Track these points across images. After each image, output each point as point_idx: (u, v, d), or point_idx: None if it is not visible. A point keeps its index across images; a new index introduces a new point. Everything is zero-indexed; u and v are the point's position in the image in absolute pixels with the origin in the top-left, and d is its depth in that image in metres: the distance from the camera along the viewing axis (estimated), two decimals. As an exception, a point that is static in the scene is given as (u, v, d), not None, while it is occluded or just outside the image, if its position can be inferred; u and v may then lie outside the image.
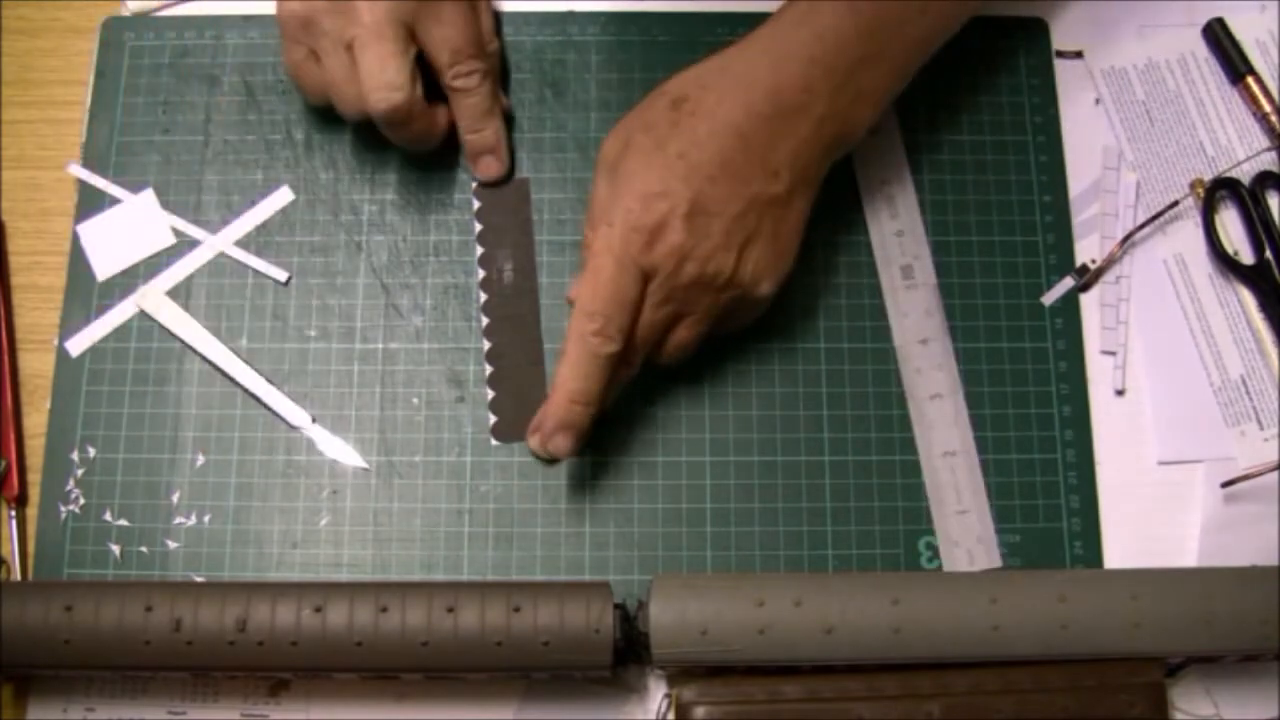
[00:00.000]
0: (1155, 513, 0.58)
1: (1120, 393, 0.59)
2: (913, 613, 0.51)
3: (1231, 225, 0.62)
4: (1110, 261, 0.61)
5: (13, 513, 0.57)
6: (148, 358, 0.59)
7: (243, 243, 0.61)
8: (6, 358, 0.59)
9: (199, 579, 0.56)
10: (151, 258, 0.61)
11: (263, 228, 0.61)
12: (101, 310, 0.60)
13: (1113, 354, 0.60)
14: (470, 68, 0.59)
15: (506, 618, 0.51)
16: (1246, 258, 0.61)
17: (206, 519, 0.57)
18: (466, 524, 0.57)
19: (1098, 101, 0.64)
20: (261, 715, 0.55)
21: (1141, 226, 0.61)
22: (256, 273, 0.61)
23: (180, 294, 0.60)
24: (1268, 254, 0.60)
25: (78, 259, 0.61)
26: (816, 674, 0.52)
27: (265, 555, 0.57)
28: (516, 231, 0.61)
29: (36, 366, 0.60)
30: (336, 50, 0.57)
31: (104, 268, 0.61)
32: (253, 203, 0.62)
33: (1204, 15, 0.64)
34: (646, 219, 0.52)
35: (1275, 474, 0.57)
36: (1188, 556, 0.57)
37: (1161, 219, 0.61)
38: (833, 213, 0.60)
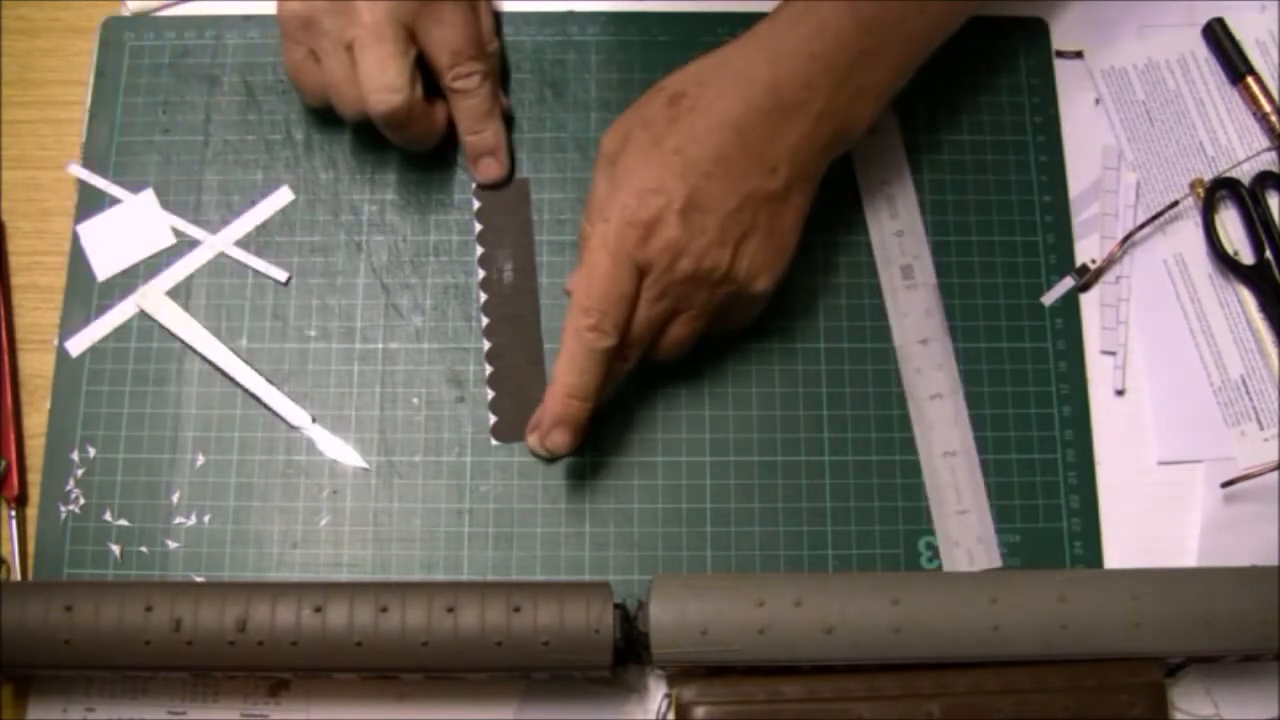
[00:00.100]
0: (1155, 513, 0.58)
1: (1120, 393, 0.59)
2: (913, 613, 0.51)
3: (1231, 225, 0.62)
4: (1110, 261, 0.61)
5: (13, 513, 0.57)
6: (148, 358, 0.59)
7: (243, 243, 0.61)
8: (6, 358, 0.59)
9: (199, 579, 0.56)
10: (151, 258, 0.61)
11: (263, 228, 0.61)
12: (101, 310, 0.60)
13: (1113, 354, 0.60)
14: (470, 69, 0.59)
15: (506, 618, 0.51)
16: (1246, 258, 0.61)
17: (206, 519, 0.57)
18: (466, 524, 0.57)
19: (1098, 101, 0.64)
20: (261, 715, 0.55)
21: (1141, 226, 0.61)
22: (256, 273, 0.61)
23: (180, 294, 0.60)
24: (1268, 254, 0.60)
25: (78, 259, 0.61)
26: (816, 674, 0.52)
27: (265, 555, 0.57)
28: (516, 231, 0.61)
29: (36, 366, 0.60)
30: (336, 51, 0.57)
31: (104, 268, 0.61)
32: (253, 203, 0.62)
33: (1204, 15, 0.64)
34: (642, 214, 0.52)
35: (1275, 474, 0.57)
36: (1188, 556, 0.57)
37: (1161, 219, 0.61)
38: (833, 213, 0.60)
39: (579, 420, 0.54)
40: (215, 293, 0.60)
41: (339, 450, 0.58)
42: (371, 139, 0.61)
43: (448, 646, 0.50)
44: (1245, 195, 0.61)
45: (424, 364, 0.59)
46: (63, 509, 0.57)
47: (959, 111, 0.63)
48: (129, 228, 0.61)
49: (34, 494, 0.58)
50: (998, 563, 0.57)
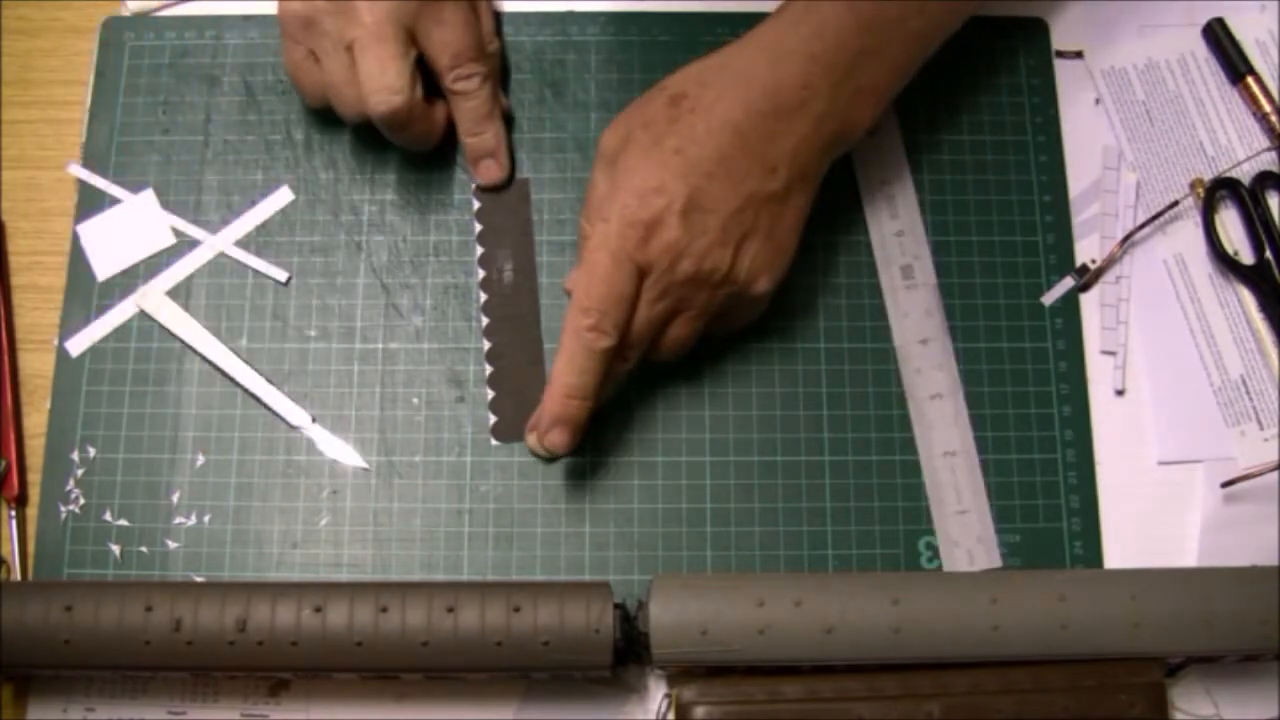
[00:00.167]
0: (1155, 513, 0.58)
1: (1120, 393, 0.59)
2: (913, 613, 0.51)
3: (1231, 225, 0.62)
4: (1110, 261, 0.61)
5: (13, 513, 0.57)
6: (148, 358, 0.59)
7: (243, 243, 0.61)
8: (6, 358, 0.59)
9: (199, 579, 0.56)
10: (151, 258, 0.61)
11: (263, 228, 0.61)
12: (101, 310, 0.60)
13: (1113, 354, 0.60)
14: (470, 71, 0.59)
15: (506, 618, 0.51)
16: (1246, 258, 0.61)
17: (206, 519, 0.57)
18: (466, 524, 0.57)
19: (1098, 101, 0.64)
20: (261, 715, 0.55)
21: (1141, 226, 0.61)
22: (256, 273, 0.61)
23: (180, 294, 0.60)
24: (1268, 254, 0.60)
25: (78, 259, 0.61)
26: (816, 674, 0.52)
27: (265, 555, 0.57)
28: (516, 231, 0.61)
29: (36, 366, 0.60)
30: (336, 51, 0.57)
31: (104, 268, 0.61)
32: (253, 203, 0.62)
33: (1204, 15, 0.64)
34: (642, 214, 0.52)
35: (1275, 474, 0.57)
36: (1188, 556, 0.57)
37: (1161, 219, 0.61)
38: (833, 213, 0.60)
39: (578, 420, 0.54)
40: (215, 293, 0.60)
41: (339, 450, 0.58)
42: (371, 139, 0.61)
43: (448, 646, 0.50)
44: (1245, 195, 0.61)
45: (424, 364, 0.59)
46: (63, 509, 0.57)
47: (959, 111, 0.63)
48: (129, 228, 0.61)
49: (34, 494, 0.58)
50: (998, 563, 0.57)
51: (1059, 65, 0.64)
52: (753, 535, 0.57)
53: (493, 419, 0.59)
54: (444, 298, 0.60)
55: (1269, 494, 0.57)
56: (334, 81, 0.57)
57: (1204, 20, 0.64)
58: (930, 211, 0.61)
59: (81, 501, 0.57)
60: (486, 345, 0.60)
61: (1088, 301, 0.60)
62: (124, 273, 0.61)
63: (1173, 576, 0.53)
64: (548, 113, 0.63)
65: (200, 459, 0.58)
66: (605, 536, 0.57)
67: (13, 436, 0.58)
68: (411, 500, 0.58)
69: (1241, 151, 0.62)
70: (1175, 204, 0.61)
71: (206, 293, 0.60)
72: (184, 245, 0.61)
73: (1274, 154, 0.62)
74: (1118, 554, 0.57)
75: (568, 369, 0.53)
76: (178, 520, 0.57)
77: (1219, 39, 0.64)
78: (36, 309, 0.61)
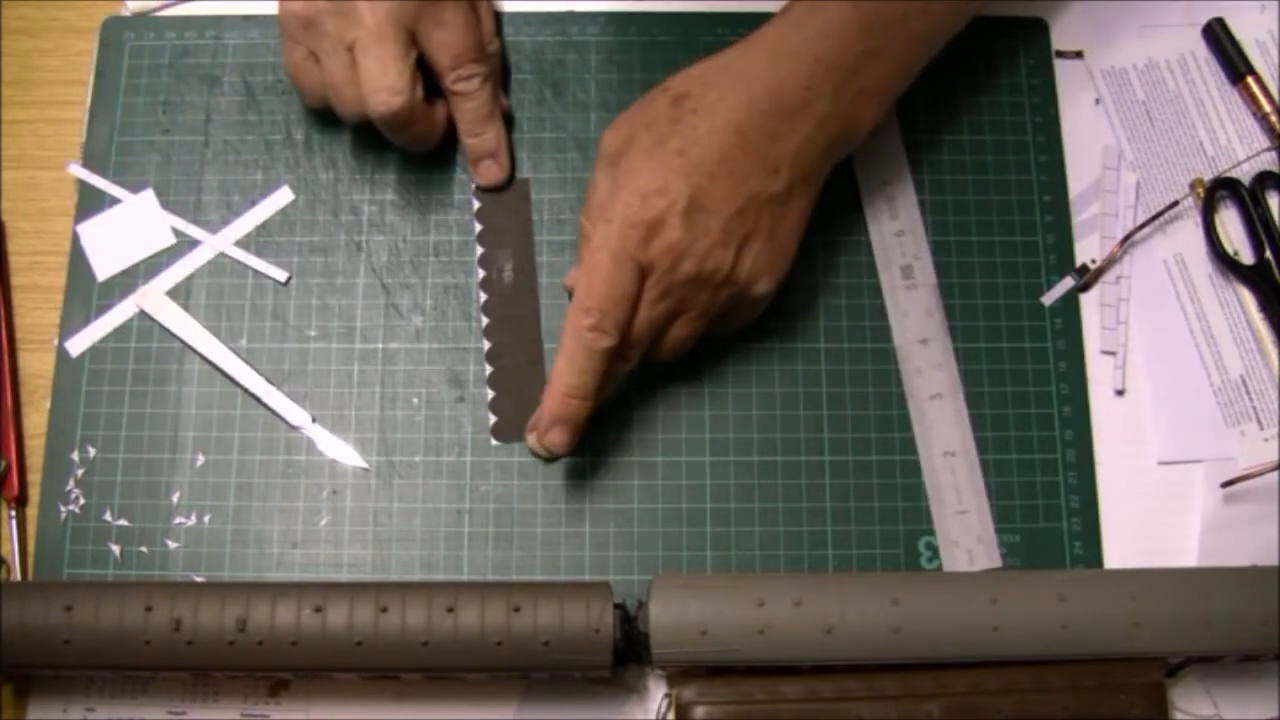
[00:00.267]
0: (1155, 513, 0.58)
1: (1120, 393, 0.59)
2: (913, 613, 0.51)
3: (1231, 225, 0.62)
4: (1110, 261, 0.61)
5: (13, 513, 0.57)
6: (148, 358, 0.59)
7: (243, 243, 0.61)
8: (6, 358, 0.59)
9: (199, 579, 0.56)
10: (151, 258, 0.61)
11: (263, 228, 0.61)
12: (101, 310, 0.60)
13: (1113, 354, 0.60)
14: (471, 71, 0.59)
15: (506, 618, 0.51)
16: (1246, 258, 0.61)
17: (206, 519, 0.57)
18: (466, 524, 0.57)
19: (1098, 101, 0.64)
20: (261, 715, 0.55)
21: (1141, 226, 0.61)
22: (256, 273, 0.61)
23: (180, 294, 0.60)
24: (1268, 254, 0.60)
25: (78, 259, 0.61)
26: (816, 674, 0.52)
27: (265, 555, 0.57)
28: (516, 231, 0.61)
29: (36, 366, 0.60)
30: (337, 52, 0.57)
31: (104, 268, 0.61)
32: (253, 203, 0.62)
33: (1204, 15, 0.64)
34: (644, 215, 0.52)
35: (1275, 474, 0.57)
36: (1188, 556, 0.57)
37: (1161, 219, 0.61)
38: (833, 213, 0.60)
39: (577, 420, 0.54)
40: (215, 293, 0.60)
41: (339, 450, 0.58)
42: (371, 139, 0.61)
43: (448, 646, 0.50)
44: (1245, 195, 0.61)
45: (424, 364, 0.59)
46: (63, 509, 0.57)
47: (959, 111, 0.63)
48: (129, 228, 0.61)
49: (34, 494, 0.58)
50: (998, 563, 0.57)
51: (1059, 65, 0.64)
52: (753, 535, 0.57)
53: (493, 419, 0.59)
54: (444, 298, 0.60)
55: (1269, 494, 0.57)
56: (334, 82, 0.57)
57: (1204, 20, 0.64)
58: (930, 211, 0.61)
59: (81, 501, 0.57)
60: (486, 345, 0.60)
61: (1088, 301, 0.60)
62: (124, 273, 0.61)
63: (1173, 576, 0.53)
64: (548, 113, 0.63)
65: (200, 459, 0.58)
66: (605, 536, 0.57)
67: (13, 436, 0.58)
68: (411, 500, 0.58)
69: (1241, 151, 0.62)
70: (1175, 204, 0.61)
71: (206, 293, 0.60)
72: (184, 245, 0.61)
73: (1274, 154, 0.62)
74: (1118, 554, 0.57)
75: (568, 368, 0.53)
76: (178, 520, 0.57)
77: (1219, 39, 0.64)
78: (36, 309, 0.61)
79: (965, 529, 0.57)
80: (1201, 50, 0.64)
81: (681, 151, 0.52)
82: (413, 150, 0.61)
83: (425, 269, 0.61)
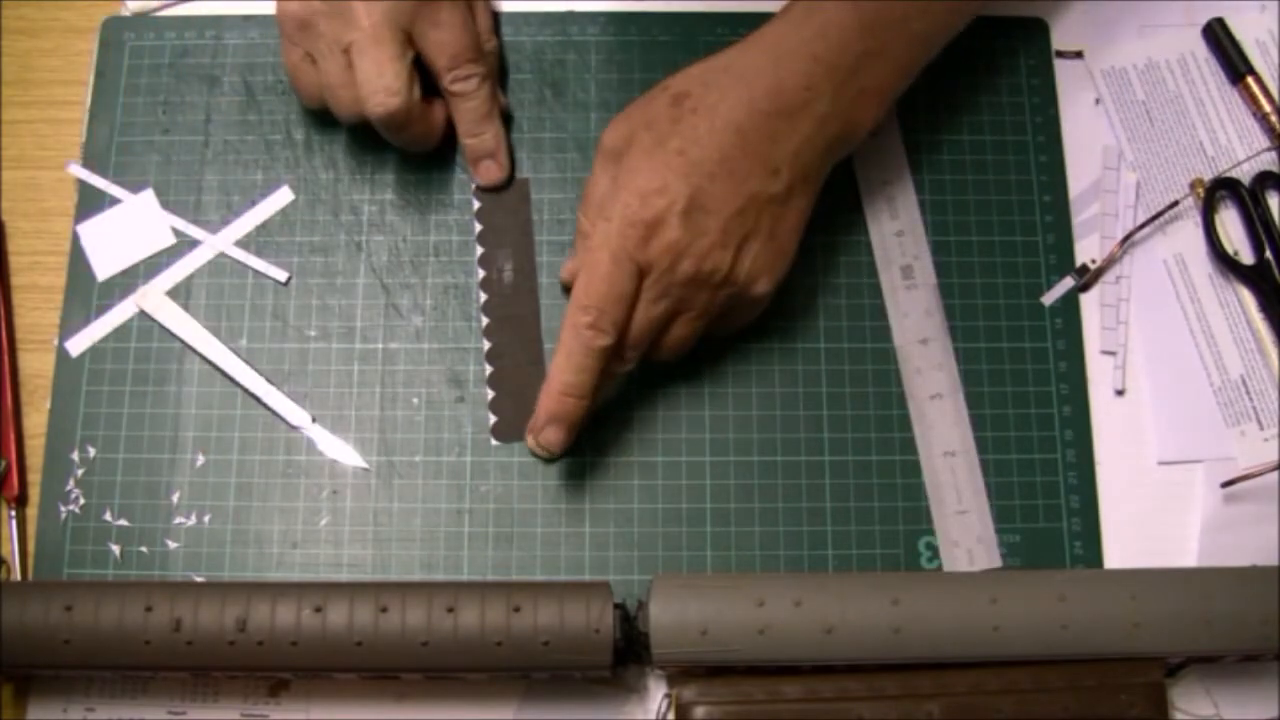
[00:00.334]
0: (1155, 513, 0.58)
1: (1120, 393, 0.59)
2: (913, 613, 0.51)
3: (1231, 225, 0.62)
4: (1110, 261, 0.61)
5: (13, 513, 0.57)
6: (148, 358, 0.59)
7: (243, 243, 0.61)
8: (6, 358, 0.59)
9: (199, 579, 0.56)
10: (151, 258, 0.61)
11: (263, 228, 0.61)
12: (101, 310, 0.60)
13: (1113, 354, 0.60)
14: (468, 72, 0.59)
15: (506, 618, 0.51)
16: (1246, 258, 0.61)
17: (206, 519, 0.57)
18: (466, 524, 0.57)
19: (1098, 101, 0.64)
20: (261, 715, 0.55)
21: (1141, 226, 0.61)
22: (256, 273, 0.61)
23: (180, 294, 0.60)
24: (1268, 254, 0.60)
25: (78, 259, 0.61)
26: (816, 674, 0.52)
27: (265, 555, 0.57)
28: (516, 231, 0.61)
29: (36, 366, 0.60)
30: (333, 53, 0.57)
31: (104, 268, 0.61)
32: (253, 203, 0.62)
33: (1204, 15, 0.64)
34: (644, 214, 0.52)
35: (1275, 474, 0.57)
36: (1188, 556, 0.57)
37: (1161, 219, 0.61)
38: (833, 213, 0.60)
39: (573, 418, 0.54)
40: (215, 293, 0.60)
41: (339, 450, 0.58)
42: (371, 139, 0.61)
43: (448, 646, 0.50)
44: (1245, 195, 0.61)
45: (424, 364, 0.59)
46: (63, 509, 0.57)
47: (959, 111, 0.63)
48: (129, 228, 0.61)
49: (34, 494, 0.58)
50: (998, 563, 0.57)
51: (1059, 65, 0.64)
52: (753, 535, 0.57)
53: (493, 419, 0.59)
54: (444, 298, 0.60)
55: (1269, 494, 0.57)
56: (331, 83, 0.57)
57: (1204, 20, 0.64)
58: (930, 211, 0.61)
59: (81, 501, 0.57)
60: (486, 345, 0.60)
61: (1088, 301, 0.60)
62: (124, 273, 0.61)
63: (1173, 576, 0.53)
64: (548, 113, 0.63)
65: (200, 459, 0.58)
66: (605, 536, 0.57)
67: (13, 436, 0.58)
68: (411, 500, 0.58)
69: (1241, 151, 0.62)
70: (1175, 204, 0.61)
71: (206, 293, 0.60)
72: (184, 245, 0.61)
73: (1274, 154, 0.62)
74: (1118, 554, 0.57)
75: (565, 366, 0.53)
76: (178, 520, 0.57)
77: (1219, 39, 0.64)
78: (36, 309, 0.61)
79: (965, 529, 0.57)
80: (1201, 50, 0.64)
81: (681, 151, 0.52)
82: (412, 151, 0.61)
83: (425, 269, 0.61)
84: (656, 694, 0.55)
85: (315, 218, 0.62)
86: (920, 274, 0.60)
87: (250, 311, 0.60)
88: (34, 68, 0.64)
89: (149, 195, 0.62)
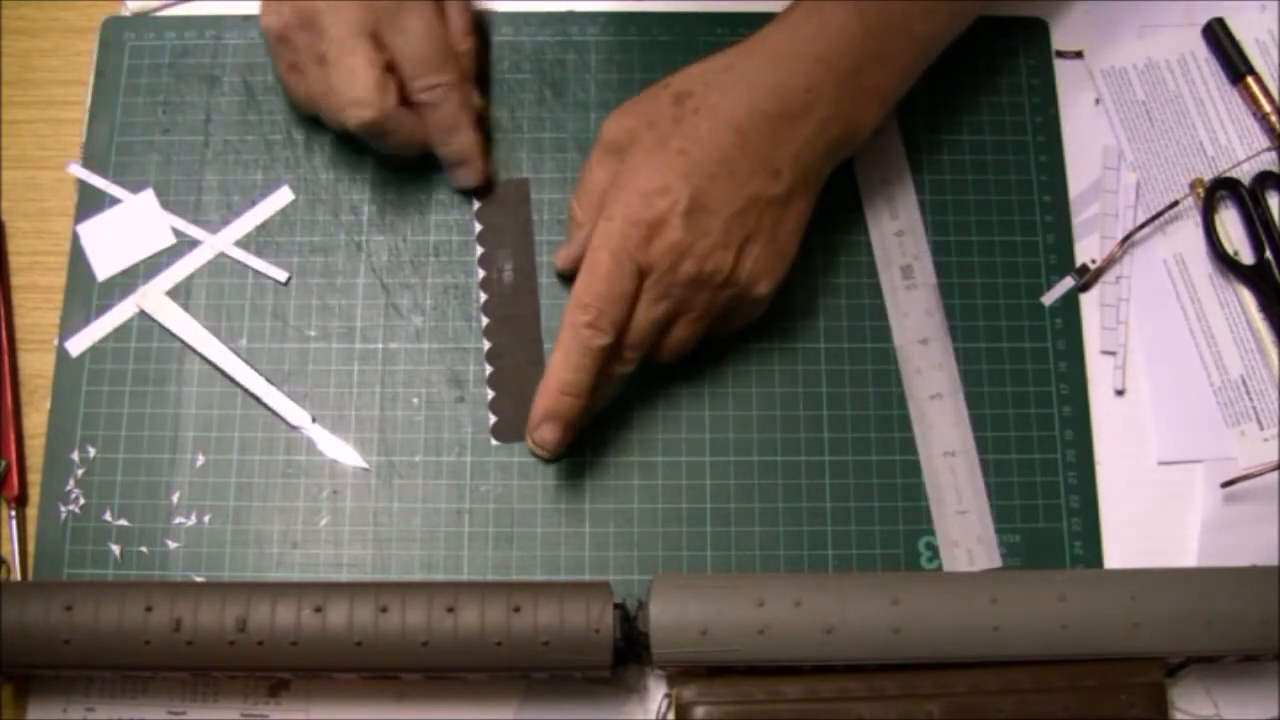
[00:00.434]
0: (1155, 513, 0.58)
1: (1120, 393, 0.59)
2: (913, 613, 0.51)
3: (1231, 225, 0.62)
4: (1110, 261, 0.61)
5: (13, 513, 0.57)
6: (148, 358, 0.59)
7: (243, 243, 0.61)
8: (6, 358, 0.59)
9: (199, 579, 0.56)
10: (151, 258, 0.61)
11: (263, 228, 0.61)
12: (101, 310, 0.60)
13: (1113, 354, 0.60)
14: (433, 81, 0.57)
15: (506, 618, 0.51)
16: (1246, 258, 0.61)
17: (206, 519, 0.57)
18: (466, 524, 0.57)
19: (1098, 101, 0.64)
20: (261, 715, 0.55)
21: (1141, 226, 0.61)
22: (256, 273, 0.61)
23: (180, 294, 0.60)
24: (1268, 254, 0.60)
25: (78, 259, 0.61)
26: (816, 674, 0.52)
27: (265, 555, 0.57)
28: (516, 231, 0.61)
29: (36, 366, 0.60)
30: (312, 65, 0.56)
31: (104, 268, 0.61)
32: (253, 203, 0.62)
33: (1204, 15, 0.64)
34: (646, 215, 0.52)
35: (1275, 474, 0.57)
36: (1188, 556, 0.57)
37: (1161, 219, 0.61)
38: (833, 213, 0.60)
39: (570, 417, 0.54)
40: (215, 293, 0.60)
41: (339, 450, 0.58)
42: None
43: (448, 646, 0.50)
44: (1245, 195, 0.61)
45: (424, 364, 0.59)
46: (63, 509, 0.57)
47: (959, 111, 0.63)
48: (129, 228, 0.61)
49: (34, 494, 0.58)
50: (998, 563, 0.57)
51: (1059, 65, 0.64)
52: (753, 535, 0.57)
53: (493, 419, 0.59)
54: (444, 298, 0.60)
55: (1269, 494, 0.57)
56: (314, 94, 0.57)
57: (1204, 20, 0.64)
58: (930, 211, 0.61)
59: (81, 501, 0.57)
60: (486, 345, 0.60)
61: (1088, 301, 0.60)
62: (124, 273, 0.61)
63: (1173, 576, 0.53)
64: (548, 113, 0.63)
65: (200, 459, 0.58)
66: (605, 536, 0.57)
67: (13, 436, 0.58)
68: (411, 500, 0.58)
69: (1241, 151, 0.62)
70: (1175, 204, 0.61)
71: (206, 293, 0.60)
72: (184, 245, 0.61)
73: (1274, 154, 0.62)
74: (1118, 554, 0.57)
75: (563, 365, 0.53)
76: (178, 520, 0.57)
77: (1219, 39, 0.64)
78: (36, 309, 0.61)
79: (965, 529, 0.57)
80: (1201, 50, 0.64)
81: (683, 151, 0.52)
82: (401, 156, 0.61)
83: (425, 269, 0.61)
84: (656, 694, 0.55)
85: (315, 218, 0.62)
86: (920, 274, 0.60)
87: (250, 311, 0.60)
88: (34, 68, 0.64)
89: (149, 195, 0.62)
